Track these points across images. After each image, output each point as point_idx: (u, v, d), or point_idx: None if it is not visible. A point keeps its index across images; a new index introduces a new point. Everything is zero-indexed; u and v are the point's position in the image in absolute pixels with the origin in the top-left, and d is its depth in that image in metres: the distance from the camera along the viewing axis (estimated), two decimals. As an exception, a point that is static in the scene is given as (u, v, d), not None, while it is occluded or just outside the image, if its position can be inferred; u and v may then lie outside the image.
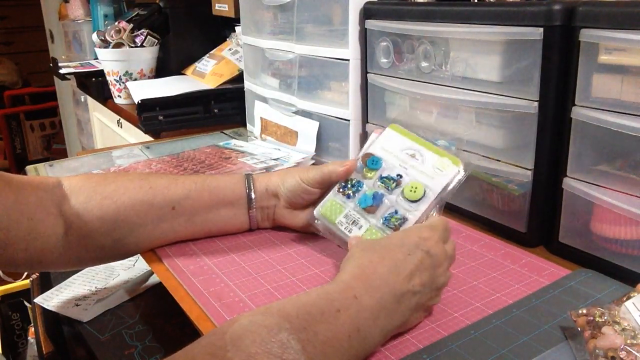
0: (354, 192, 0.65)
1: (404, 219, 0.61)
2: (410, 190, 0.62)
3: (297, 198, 0.70)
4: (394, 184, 0.64)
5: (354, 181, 0.66)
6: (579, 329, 0.49)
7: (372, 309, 0.48)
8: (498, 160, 0.72)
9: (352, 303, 0.48)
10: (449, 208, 0.68)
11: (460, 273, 0.63)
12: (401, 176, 0.64)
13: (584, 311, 0.50)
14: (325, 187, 0.69)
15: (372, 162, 0.66)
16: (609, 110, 0.59)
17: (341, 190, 0.66)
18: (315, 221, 0.68)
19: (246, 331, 0.42)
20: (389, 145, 0.67)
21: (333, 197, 0.66)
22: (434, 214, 0.62)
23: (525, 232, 0.70)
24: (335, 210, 0.65)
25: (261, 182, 0.71)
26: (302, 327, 0.44)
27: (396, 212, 0.62)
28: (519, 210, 0.71)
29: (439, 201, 0.62)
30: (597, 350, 0.46)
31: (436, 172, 0.63)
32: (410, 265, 0.52)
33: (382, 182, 0.64)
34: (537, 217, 0.69)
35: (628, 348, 0.45)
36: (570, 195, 0.66)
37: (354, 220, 0.63)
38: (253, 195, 0.70)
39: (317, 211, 0.66)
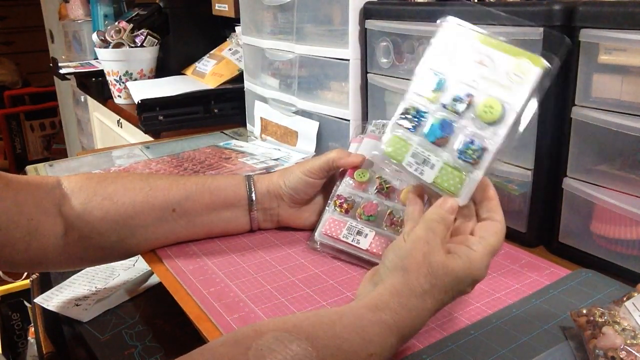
0: (417, 123, 0.54)
1: (483, 150, 0.51)
2: (485, 111, 0.51)
3: (300, 194, 0.70)
4: (465, 106, 0.52)
5: (414, 109, 0.55)
6: (579, 329, 0.49)
7: (398, 348, 0.49)
8: (498, 160, 0.72)
9: (387, 350, 0.47)
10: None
11: (460, 273, 0.63)
12: (472, 95, 0.52)
13: (584, 311, 0.50)
14: (329, 175, 0.69)
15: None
16: (609, 110, 0.59)
17: (402, 122, 0.55)
18: (314, 244, 0.67)
19: (271, 351, 0.41)
20: (449, 53, 0.55)
21: (394, 131, 0.55)
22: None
23: (525, 232, 0.70)
24: (401, 148, 0.54)
25: (262, 183, 0.71)
26: None
27: (472, 141, 0.51)
28: (519, 210, 0.71)
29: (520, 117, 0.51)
30: (597, 350, 0.46)
31: (513, 80, 0.51)
32: (450, 301, 0.50)
33: (449, 106, 0.53)
34: (537, 217, 0.69)
35: (628, 348, 0.45)
36: (570, 195, 0.66)
37: (424, 159, 0.53)
38: (254, 197, 0.70)
39: (380, 150, 0.56)
